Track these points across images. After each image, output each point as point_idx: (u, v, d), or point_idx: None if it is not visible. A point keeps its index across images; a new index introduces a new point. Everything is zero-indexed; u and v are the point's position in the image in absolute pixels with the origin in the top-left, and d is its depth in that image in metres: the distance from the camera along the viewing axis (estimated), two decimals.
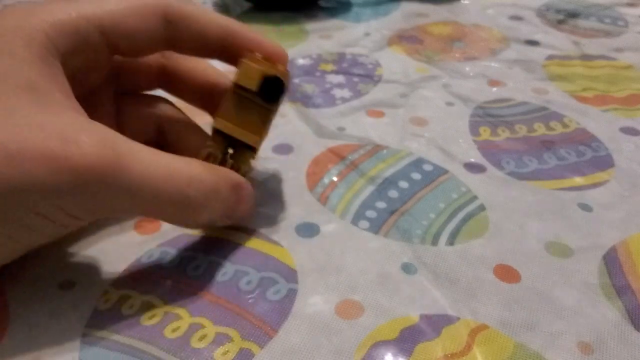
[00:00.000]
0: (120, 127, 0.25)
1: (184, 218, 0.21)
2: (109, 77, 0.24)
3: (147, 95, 0.26)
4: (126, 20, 0.21)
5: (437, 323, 0.20)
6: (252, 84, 0.22)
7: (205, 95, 0.26)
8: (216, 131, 0.22)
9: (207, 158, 0.22)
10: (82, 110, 0.20)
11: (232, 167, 0.23)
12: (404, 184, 0.27)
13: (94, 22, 0.20)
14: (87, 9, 0.20)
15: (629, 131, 0.32)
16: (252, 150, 0.23)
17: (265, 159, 0.29)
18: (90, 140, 0.17)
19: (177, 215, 0.21)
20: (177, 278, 0.22)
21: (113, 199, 0.18)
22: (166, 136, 0.26)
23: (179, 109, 0.26)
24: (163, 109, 0.26)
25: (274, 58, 0.23)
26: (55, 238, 0.20)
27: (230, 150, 0.23)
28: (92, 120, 0.19)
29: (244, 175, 0.23)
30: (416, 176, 0.28)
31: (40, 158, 0.17)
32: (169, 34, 0.22)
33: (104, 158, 0.17)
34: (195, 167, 0.20)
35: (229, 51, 0.23)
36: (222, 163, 0.23)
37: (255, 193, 0.24)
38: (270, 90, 0.22)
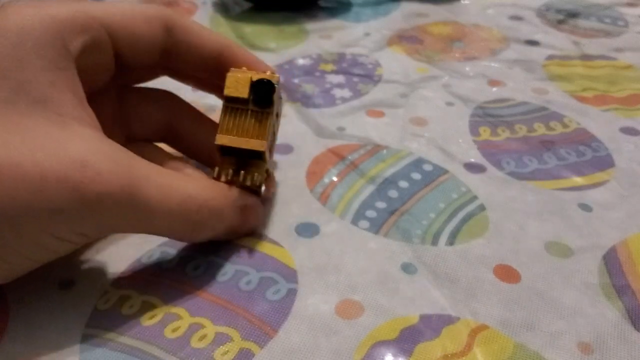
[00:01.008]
0: (127, 123, 0.25)
1: (188, 236, 0.22)
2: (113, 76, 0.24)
3: (154, 90, 0.26)
4: (133, 23, 0.21)
5: (437, 323, 0.20)
6: (243, 92, 0.22)
7: (212, 68, 0.24)
8: (221, 149, 0.22)
9: (219, 177, 0.22)
10: (95, 122, 0.20)
11: (244, 180, 0.22)
12: (404, 184, 0.27)
13: (103, 23, 0.21)
14: (95, 10, 0.21)
15: (629, 131, 0.32)
16: (261, 157, 0.23)
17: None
18: (109, 166, 0.18)
19: (181, 234, 0.21)
20: (177, 278, 0.22)
21: (126, 221, 0.19)
22: (176, 131, 0.26)
23: (187, 103, 0.26)
24: (171, 103, 0.26)
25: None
26: (66, 254, 0.20)
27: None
28: (107, 139, 0.19)
29: (259, 185, 0.23)
30: (416, 176, 0.28)
31: (60, 185, 0.17)
32: (167, 43, 0.23)
33: (121, 184, 0.18)
34: (208, 192, 0.21)
35: (223, 68, 0.23)
36: (235, 177, 0.22)
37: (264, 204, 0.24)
38: (262, 94, 0.22)
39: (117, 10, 0.21)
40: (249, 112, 0.22)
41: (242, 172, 0.22)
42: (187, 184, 0.20)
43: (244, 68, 0.23)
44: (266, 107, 0.22)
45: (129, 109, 0.25)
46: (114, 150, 0.19)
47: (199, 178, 0.23)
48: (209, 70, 0.24)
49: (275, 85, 0.22)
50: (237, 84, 0.22)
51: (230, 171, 0.22)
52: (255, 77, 0.22)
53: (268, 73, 0.22)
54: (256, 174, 0.23)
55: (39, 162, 0.17)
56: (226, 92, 0.22)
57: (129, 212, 0.19)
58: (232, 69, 0.22)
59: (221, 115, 0.22)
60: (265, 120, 0.22)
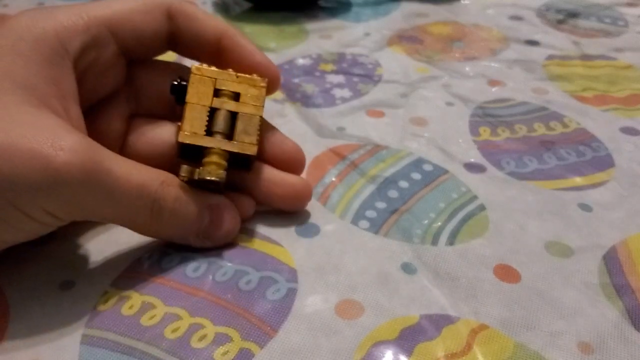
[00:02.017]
0: (135, 97, 0.25)
1: (149, 225, 0.21)
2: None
3: (163, 62, 0.26)
4: (133, 17, 0.22)
5: (437, 323, 0.20)
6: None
7: (213, 52, 0.24)
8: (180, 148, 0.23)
9: (191, 174, 0.22)
10: (79, 118, 0.21)
11: (207, 174, 0.22)
12: (404, 184, 0.27)
13: (104, 22, 0.22)
14: (96, 11, 0.22)
15: (629, 131, 0.32)
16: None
17: None
18: (74, 144, 0.18)
19: (142, 221, 0.21)
20: (177, 278, 0.22)
21: (91, 199, 0.19)
22: None
23: None
24: (182, 73, 0.25)
25: (264, 74, 0.24)
26: (34, 237, 0.20)
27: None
28: (80, 133, 0.20)
29: (221, 180, 0.22)
30: (416, 176, 0.28)
31: (27, 156, 0.18)
32: (171, 30, 0.23)
33: (85, 161, 0.18)
34: (173, 180, 0.21)
35: (223, 52, 0.24)
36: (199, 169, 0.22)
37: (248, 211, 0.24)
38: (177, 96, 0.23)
39: (118, 7, 0.22)
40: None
41: (201, 168, 0.22)
42: (149, 169, 0.21)
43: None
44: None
45: (136, 82, 0.25)
46: (83, 137, 0.19)
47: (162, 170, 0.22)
48: (210, 54, 0.24)
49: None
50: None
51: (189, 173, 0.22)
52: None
53: (254, 76, 0.23)
54: (215, 167, 0.22)
55: (11, 134, 0.18)
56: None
57: (92, 188, 0.19)
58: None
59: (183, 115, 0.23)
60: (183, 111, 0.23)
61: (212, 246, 0.23)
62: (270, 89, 0.24)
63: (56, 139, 0.18)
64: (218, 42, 0.24)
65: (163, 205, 0.21)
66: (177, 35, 0.23)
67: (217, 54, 0.24)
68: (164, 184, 0.21)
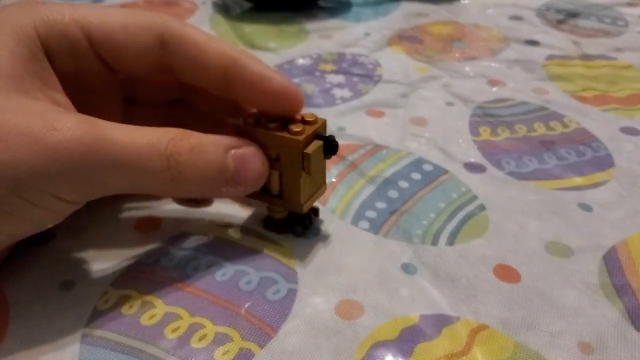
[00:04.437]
0: (131, 87, 0.24)
1: (179, 187, 0.20)
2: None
3: None
4: (116, 35, 0.21)
5: (437, 323, 0.20)
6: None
7: (220, 83, 0.22)
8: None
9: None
10: (70, 106, 0.20)
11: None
12: (404, 184, 0.27)
13: (84, 30, 0.20)
14: (80, 14, 0.20)
15: (629, 131, 0.32)
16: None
17: None
18: (71, 121, 0.18)
19: (170, 185, 0.20)
20: (177, 278, 0.22)
21: (99, 173, 0.18)
22: (189, 86, 0.24)
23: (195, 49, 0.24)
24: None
25: (285, 99, 0.22)
26: (47, 226, 0.20)
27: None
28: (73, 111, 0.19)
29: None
30: (416, 176, 0.28)
31: (22, 139, 0.17)
32: (164, 57, 0.21)
33: (82, 135, 0.18)
34: (179, 131, 0.20)
35: (232, 84, 0.22)
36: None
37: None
38: (332, 150, 0.22)
39: (105, 18, 0.21)
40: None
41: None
42: (154, 129, 0.19)
43: (294, 127, 0.21)
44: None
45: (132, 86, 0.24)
46: (76, 114, 0.19)
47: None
48: (216, 86, 0.22)
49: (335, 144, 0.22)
50: (316, 157, 0.22)
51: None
52: (312, 132, 0.21)
53: (314, 119, 0.22)
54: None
55: (1, 119, 0.17)
56: (313, 170, 0.22)
57: (95, 160, 0.18)
58: (289, 136, 0.21)
59: (302, 186, 0.22)
60: (325, 165, 0.23)
61: (247, 193, 0.22)
62: (294, 112, 0.22)
63: (48, 120, 0.17)
64: (224, 72, 0.21)
65: (179, 160, 0.19)
66: (174, 63, 0.22)
67: (224, 84, 0.22)
68: (174, 139, 0.19)
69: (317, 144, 0.22)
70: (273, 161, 0.22)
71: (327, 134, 0.22)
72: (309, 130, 0.21)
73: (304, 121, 0.22)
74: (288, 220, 0.24)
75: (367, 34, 0.44)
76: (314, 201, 0.23)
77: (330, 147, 0.22)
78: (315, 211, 0.25)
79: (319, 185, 0.23)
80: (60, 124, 0.17)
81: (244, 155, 0.21)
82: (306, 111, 0.22)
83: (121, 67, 0.22)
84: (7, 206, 0.18)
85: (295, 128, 0.21)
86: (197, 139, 0.20)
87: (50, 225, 0.20)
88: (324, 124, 0.22)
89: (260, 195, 0.23)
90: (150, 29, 0.21)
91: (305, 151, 0.21)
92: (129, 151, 0.18)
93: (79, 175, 0.18)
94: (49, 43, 0.20)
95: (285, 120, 0.22)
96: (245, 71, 0.21)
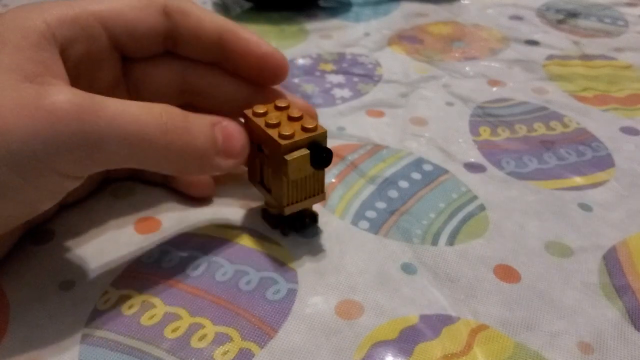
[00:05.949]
0: (136, 91, 0.24)
1: (162, 148, 0.20)
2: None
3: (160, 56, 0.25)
4: (126, 13, 0.22)
5: (437, 323, 0.20)
6: (306, 170, 0.21)
7: (214, 50, 0.24)
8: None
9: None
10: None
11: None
12: (404, 184, 0.27)
13: (94, 14, 0.21)
14: (88, 5, 0.21)
15: (629, 131, 0.32)
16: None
17: None
18: (64, 92, 0.18)
19: (155, 144, 0.20)
20: (177, 278, 0.22)
21: (94, 137, 0.18)
22: (192, 89, 0.25)
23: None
24: (180, 62, 0.25)
25: (272, 63, 0.24)
26: (38, 210, 0.20)
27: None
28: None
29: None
30: (416, 176, 0.28)
31: (14, 104, 0.17)
32: (168, 28, 0.23)
33: (79, 98, 0.18)
34: (167, 106, 0.20)
35: (225, 49, 0.23)
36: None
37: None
38: (321, 161, 0.22)
39: (111, 2, 0.22)
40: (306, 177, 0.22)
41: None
42: (144, 103, 0.20)
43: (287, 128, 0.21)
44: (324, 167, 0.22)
45: (135, 77, 0.24)
46: (69, 87, 0.19)
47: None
48: (211, 54, 0.24)
49: (330, 150, 0.22)
50: (299, 165, 0.21)
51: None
52: (305, 139, 0.21)
53: (316, 125, 0.22)
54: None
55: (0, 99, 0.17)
56: (292, 177, 0.21)
57: (90, 126, 0.18)
58: (280, 133, 0.21)
59: (284, 189, 0.22)
60: (322, 175, 0.23)
61: (238, 165, 0.22)
62: (279, 77, 0.24)
63: (41, 93, 0.18)
64: (219, 38, 0.23)
65: (175, 124, 0.20)
66: (175, 34, 0.23)
67: (219, 50, 0.24)
68: (165, 108, 0.20)
69: (302, 152, 0.21)
70: (264, 156, 0.22)
71: (326, 145, 0.22)
72: (301, 136, 0.21)
73: (303, 127, 0.21)
74: (280, 218, 0.24)
75: (367, 34, 0.44)
76: (303, 207, 0.23)
77: (320, 159, 0.21)
78: (313, 217, 0.25)
79: (312, 194, 0.23)
80: (53, 90, 0.18)
81: (227, 127, 0.22)
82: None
83: (132, 48, 0.23)
84: (8, 191, 0.17)
85: (286, 131, 0.21)
86: (184, 112, 0.21)
87: (44, 208, 0.20)
88: (323, 134, 0.22)
89: (260, 184, 0.24)
90: (156, 4, 0.23)
91: (285, 157, 0.21)
92: (124, 115, 0.19)
93: (75, 141, 0.18)
94: (59, 31, 0.20)
95: (287, 119, 0.22)
96: (237, 36, 0.23)
